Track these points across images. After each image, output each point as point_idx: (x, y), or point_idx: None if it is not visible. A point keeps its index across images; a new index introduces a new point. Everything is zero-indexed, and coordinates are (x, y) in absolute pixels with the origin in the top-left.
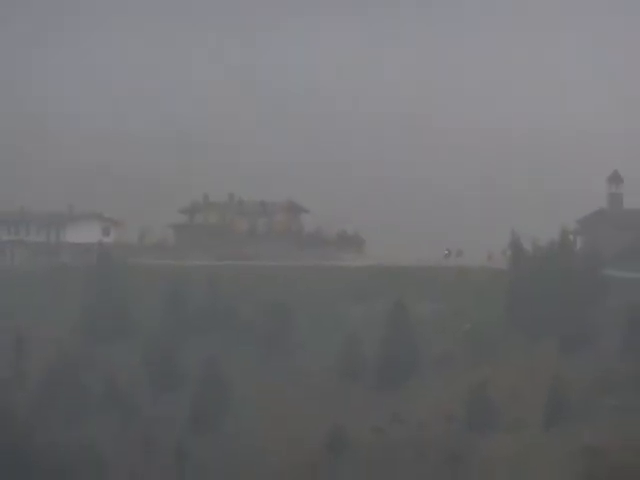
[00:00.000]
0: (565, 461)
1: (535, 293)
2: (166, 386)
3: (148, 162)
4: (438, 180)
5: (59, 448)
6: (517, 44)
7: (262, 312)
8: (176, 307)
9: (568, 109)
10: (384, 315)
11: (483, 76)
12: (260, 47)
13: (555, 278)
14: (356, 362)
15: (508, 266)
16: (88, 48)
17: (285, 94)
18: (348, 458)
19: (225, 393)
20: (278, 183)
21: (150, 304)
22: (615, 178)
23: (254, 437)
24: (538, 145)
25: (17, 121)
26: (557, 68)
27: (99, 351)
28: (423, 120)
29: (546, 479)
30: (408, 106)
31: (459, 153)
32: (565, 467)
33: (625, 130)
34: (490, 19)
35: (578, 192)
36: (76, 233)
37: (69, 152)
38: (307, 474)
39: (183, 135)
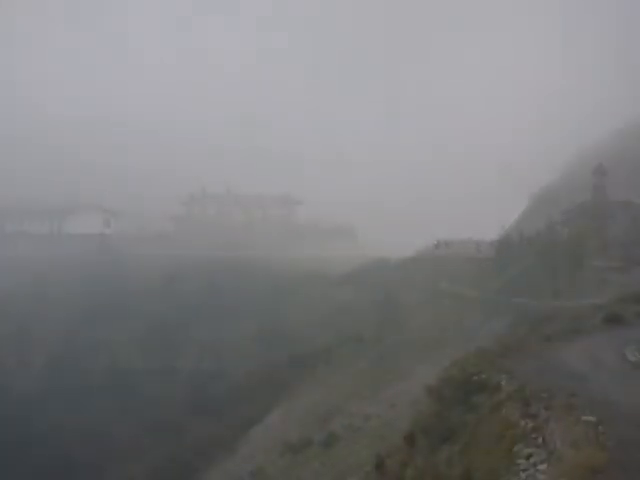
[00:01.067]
0: None
1: (520, 280)
2: (163, 371)
3: (148, 155)
4: (431, 175)
5: (61, 431)
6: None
7: (258, 300)
8: (174, 296)
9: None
10: (376, 303)
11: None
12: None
13: (540, 266)
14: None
15: (495, 255)
16: (89, 35)
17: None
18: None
19: (222, 378)
20: (275, 177)
21: (149, 293)
22: (599, 170)
23: (249, 419)
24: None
25: (16, 113)
26: None
27: (98, 338)
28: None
29: None
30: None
31: (452, 149)
32: None
33: None
34: None
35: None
36: (77, 224)
37: (69, 146)
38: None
39: (183, 129)
